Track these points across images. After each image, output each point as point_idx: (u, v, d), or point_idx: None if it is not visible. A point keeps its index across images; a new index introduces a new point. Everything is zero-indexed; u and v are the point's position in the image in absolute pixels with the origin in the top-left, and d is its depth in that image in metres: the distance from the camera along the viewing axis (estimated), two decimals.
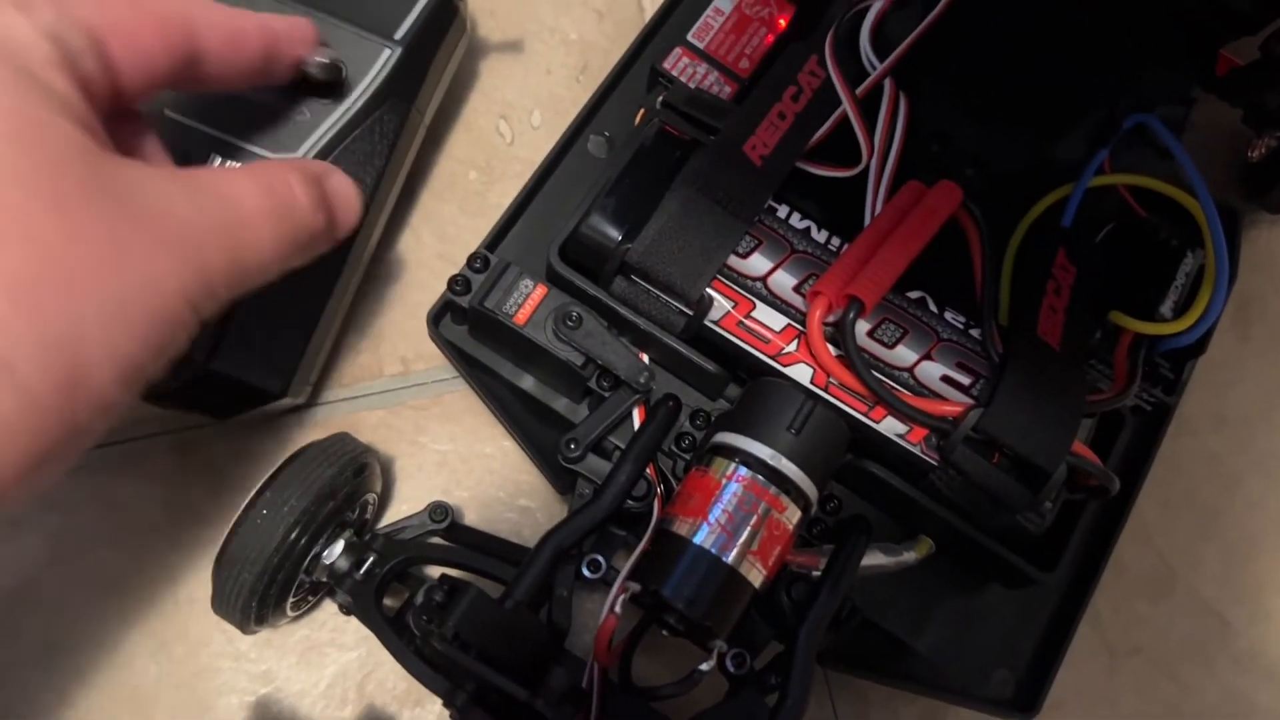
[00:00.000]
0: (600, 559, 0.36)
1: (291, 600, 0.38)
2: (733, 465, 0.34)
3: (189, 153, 0.39)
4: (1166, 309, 0.40)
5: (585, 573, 0.36)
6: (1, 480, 0.24)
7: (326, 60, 0.37)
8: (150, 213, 0.26)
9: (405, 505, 0.44)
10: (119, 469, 0.43)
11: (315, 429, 0.44)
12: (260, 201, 0.30)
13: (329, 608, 0.42)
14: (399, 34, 0.40)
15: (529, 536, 0.44)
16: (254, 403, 0.40)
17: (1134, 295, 0.40)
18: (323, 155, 0.39)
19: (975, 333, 0.38)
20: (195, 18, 0.31)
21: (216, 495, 0.43)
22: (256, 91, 0.39)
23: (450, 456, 0.45)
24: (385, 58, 0.40)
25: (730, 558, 0.33)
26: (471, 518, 0.44)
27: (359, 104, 0.40)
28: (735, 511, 0.33)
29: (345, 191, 0.33)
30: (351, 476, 0.37)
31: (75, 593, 0.42)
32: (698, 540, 0.33)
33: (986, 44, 0.44)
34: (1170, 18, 0.44)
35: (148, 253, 0.26)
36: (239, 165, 0.31)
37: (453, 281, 0.38)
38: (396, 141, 0.41)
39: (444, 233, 0.47)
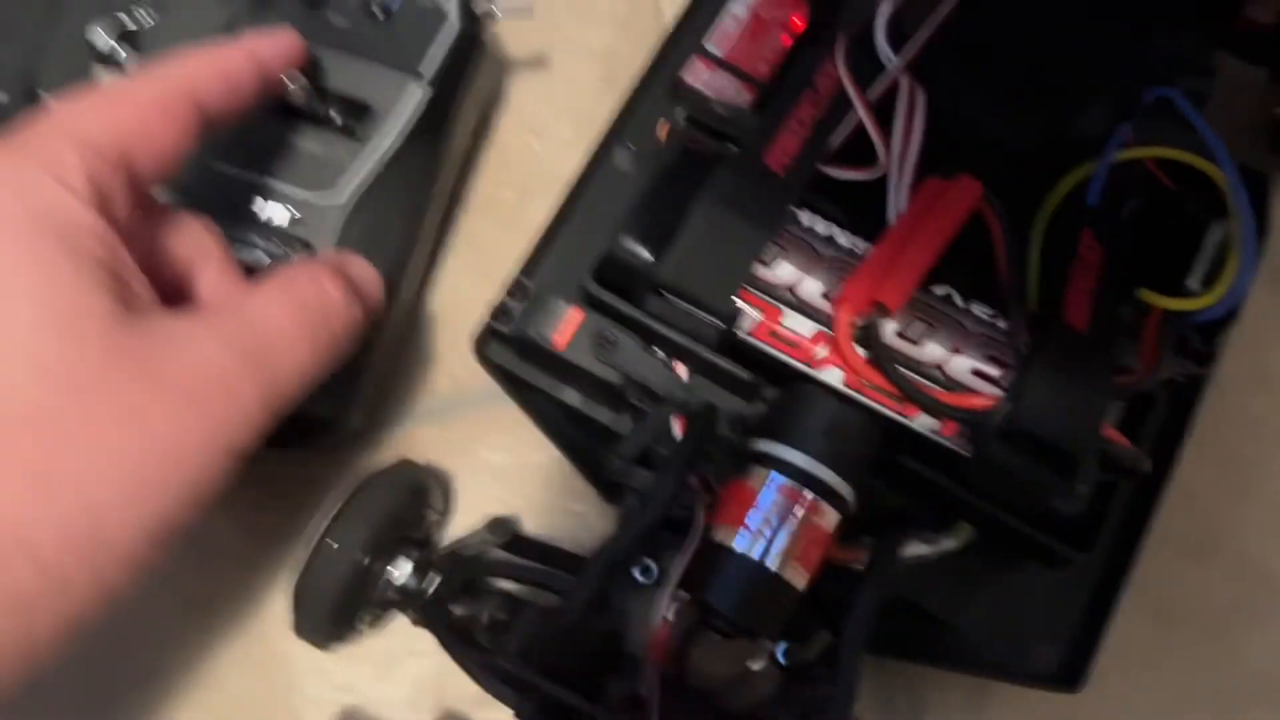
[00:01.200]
0: (650, 563, 0.38)
1: (366, 618, 0.40)
2: (769, 472, 0.35)
3: (235, 202, 0.40)
4: (1194, 282, 0.40)
5: (638, 578, 0.38)
6: (35, 647, 0.25)
7: (301, 83, 0.38)
8: (174, 369, 0.27)
9: (466, 516, 0.46)
10: None
11: (375, 450, 0.46)
12: (294, 316, 0.31)
13: (403, 618, 0.44)
14: (427, 72, 0.42)
15: (584, 539, 0.46)
16: (315, 434, 0.42)
17: (1163, 270, 0.40)
18: (363, 194, 0.41)
19: (1003, 324, 0.38)
20: (194, 79, 0.32)
21: (288, 519, 0.45)
22: (297, 138, 0.41)
23: (505, 468, 0.47)
24: (416, 96, 0.41)
25: (772, 563, 0.34)
26: (528, 524, 0.46)
27: (394, 143, 0.41)
28: (774, 518, 0.35)
29: (367, 275, 0.35)
30: (412, 501, 0.39)
31: (165, 618, 0.44)
32: (739, 548, 0.34)
33: (1002, 26, 0.44)
34: None
35: (170, 415, 0.27)
36: (269, 281, 0.32)
37: (494, 311, 0.39)
38: (433, 174, 0.43)
39: (484, 252, 0.49)
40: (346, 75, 0.41)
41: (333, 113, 0.41)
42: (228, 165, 0.40)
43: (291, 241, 0.40)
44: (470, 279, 0.48)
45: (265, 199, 0.40)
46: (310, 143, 0.41)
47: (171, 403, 0.27)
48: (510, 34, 0.51)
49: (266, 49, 0.36)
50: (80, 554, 0.26)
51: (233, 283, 0.34)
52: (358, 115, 0.41)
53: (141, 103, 0.30)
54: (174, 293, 0.33)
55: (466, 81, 0.44)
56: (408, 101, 0.41)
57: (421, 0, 0.42)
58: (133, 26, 0.40)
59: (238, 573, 0.45)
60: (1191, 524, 0.46)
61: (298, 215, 0.41)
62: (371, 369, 0.43)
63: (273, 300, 0.31)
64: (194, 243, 0.33)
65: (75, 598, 0.26)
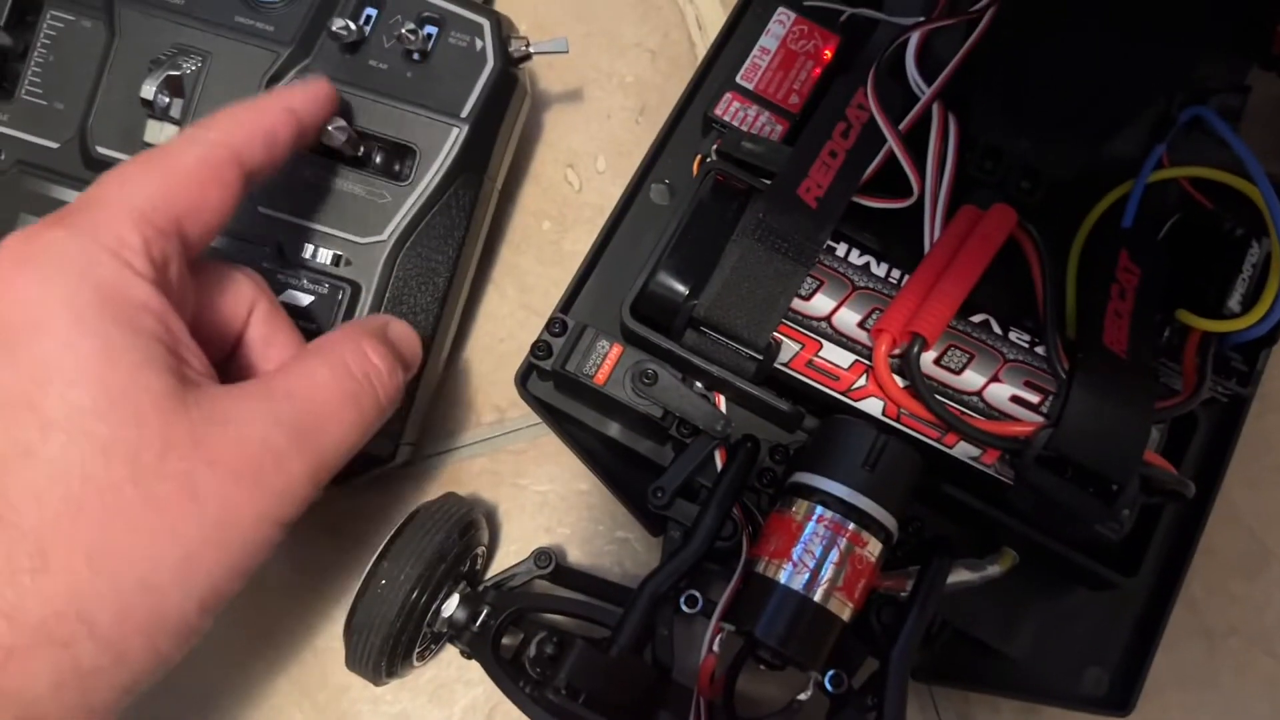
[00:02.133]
0: (696, 594, 0.38)
1: (417, 651, 0.40)
2: (811, 505, 0.35)
3: (283, 245, 0.41)
4: (1234, 303, 0.39)
5: (683, 608, 0.38)
6: (92, 716, 0.27)
7: (344, 128, 0.39)
8: (227, 446, 0.28)
9: (514, 545, 0.46)
10: None
11: (423, 481, 0.47)
12: (341, 389, 0.31)
13: (453, 647, 0.44)
14: (465, 112, 0.42)
15: (629, 566, 0.46)
16: (366, 468, 0.43)
17: (1201, 289, 0.40)
18: (405, 234, 0.42)
19: (1041, 350, 0.38)
20: (238, 141, 0.33)
21: (340, 552, 0.46)
22: (340, 181, 0.41)
23: (550, 496, 0.47)
24: (454, 136, 0.42)
25: (817, 595, 0.34)
26: (574, 552, 0.46)
27: (434, 182, 0.42)
28: (818, 550, 0.35)
29: (406, 336, 0.35)
30: (459, 537, 0.39)
31: (224, 648, 0.45)
32: (784, 580, 0.35)
33: (1032, 53, 0.43)
34: (1221, 9, 0.42)
35: (223, 492, 0.28)
36: (317, 352, 0.33)
37: (535, 347, 0.39)
38: (473, 211, 0.43)
39: (525, 284, 0.49)
40: (388, 119, 0.42)
41: (375, 156, 0.42)
42: (276, 210, 0.41)
43: (337, 281, 0.41)
44: (512, 310, 0.49)
45: (311, 241, 0.41)
46: (354, 185, 0.42)
47: (225, 481, 0.28)
48: (545, 69, 0.51)
49: (301, 102, 0.36)
50: (137, 628, 0.27)
51: (281, 342, 0.34)
52: (400, 157, 0.42)
53: (191, 170, 0.31)
54: (223, 346, 0.34)
55: (503, 118, 0.44)
56: (448, 141, 0.42)
57: (457, 41, 0.43)
58: (177, 73, 0.41)
59: (294, 606, 0.45)
60: (1239, 540, 0.46)
61: (343, 255, 0.41)
62: (416, 405, 0.43)
63: (321, 374, 0.31)
64: (241, 297, 0.34)
65: (131, 669, 0.27)
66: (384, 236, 0.42)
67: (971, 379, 0.37)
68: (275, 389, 0.30)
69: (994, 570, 0.38)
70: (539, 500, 0.47)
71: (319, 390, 0.31)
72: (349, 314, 0.41)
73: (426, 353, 0.43)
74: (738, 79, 0.44)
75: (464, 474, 0.47)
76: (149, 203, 0.29)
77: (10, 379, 0.26)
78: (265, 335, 0.34)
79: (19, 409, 0.26)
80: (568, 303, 0.42)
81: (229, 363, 0.34)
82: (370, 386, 0.32)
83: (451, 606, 0.40)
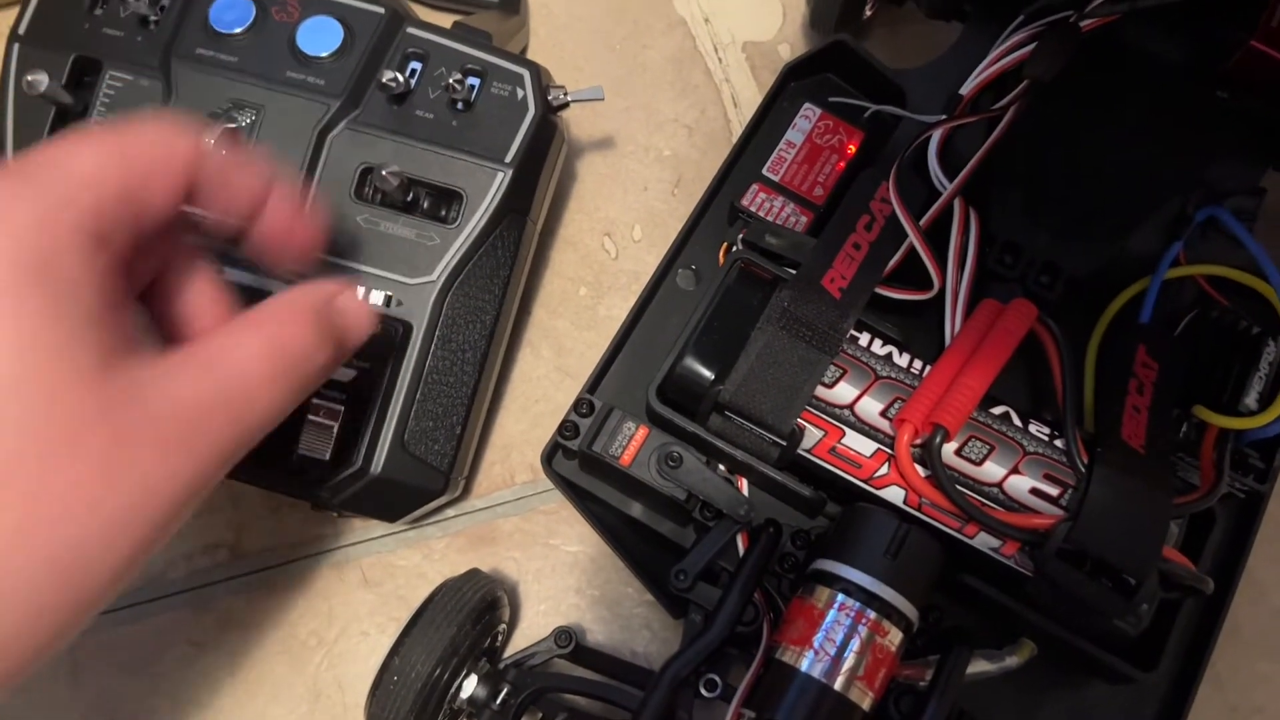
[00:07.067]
0: (716, 678, 0.37)
1: None
2: (833, 593, 0.34)
3: None
4: (1251, 400, 0.39)
5: (703, 692, 0.37)
6: (15, 668, 0.26)
7: (396, 173, 0.40)
8: (153, 415, 0.27)
9: (543, 605, 0.46)
10: (286, 588, 0.46)
11: (457, 539, 0.47)
12: (268, 366, 0.30)
13: None
14: (509, 157, 0.43)
15: (658, 629, 0.45)
16: (418, 502, 0.43)
17: (1218, 386, 0.39)
18: (454, 274, 0.42)
19: (1060, 443, 0.37)
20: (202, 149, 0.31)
21: (372, 607, 0.45)
22: (390, 225, 0.42)
23: (580, 557, 0.47)
24: (499, 180, 0.42)
25: (838, 683, 0.33)
26: (603, 614, 0.46)
27: (481, 224, 0.42)
28: (839, 638, 0.34)
29: (353, 309, 0.33)
30: (472, 626, 0.38)
31: (254, 703, 0.44)
32: (804, 668, 0.34)
33: (1052, 152, 0.43)
34: (1238, 113, 0.42)
35: (148, 464, 0.27)
36: (251, 321, 0.31)
37: (562, 427, 0.39)
38: (517, 251, 0.44)
39: (560, 346, 0.49)
40: (435, 165, 0.42)
41: (424, 201, 0.43)
42: (330, 255, 0.41)
43: (390, 321, 0.41)
44: (547, 372, 0.49)
45: (364, 283, 0.41)
46: (404, 229, 0.42)
47: (150, 449, 0.27)
48: (585, 140, 0.52)
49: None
50: (56, 599, 0.26)
51: (217, 313, 0.33)
52: (447, 201, 0.43)
53: (153, 137, 0.29)
54: (160, 306, 0.33)
55: (544, 163, 0.45)
56: (493, 185, 0.42)
57: (499, 91, 0.44)
58: (233, 125, 0.41)
59: (323, 661, 0.45)
60: (1265, 619, 0.45)
61: (394, 296, 0.42)
62: (465, 441, 0.43)
63: (252, 346, 0.30)
64: (186, 268, 0.33)
65: (56, 628, 0.26)
66: (434, 277, 0.42)
67: (992, 470, 0.37)
68: (204, 359, 0.29)
69: (1012, 661, 0.37)
70: (570, 560, 0.46)
71: (249, 363, 0.30)
72: (400, 353, 0.42)
73: (474, 388, 0.43)
74: (764, 171, 0.44)
75: (497, 532, 0.47)
76: (97, 167, 0.28)
77: None
78: (202, 313, 0.33)
79: None
80: (595, 383, 0.42)
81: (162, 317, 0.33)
82: (301, 364, 0.31)
83: (471, 686, 0.39)
